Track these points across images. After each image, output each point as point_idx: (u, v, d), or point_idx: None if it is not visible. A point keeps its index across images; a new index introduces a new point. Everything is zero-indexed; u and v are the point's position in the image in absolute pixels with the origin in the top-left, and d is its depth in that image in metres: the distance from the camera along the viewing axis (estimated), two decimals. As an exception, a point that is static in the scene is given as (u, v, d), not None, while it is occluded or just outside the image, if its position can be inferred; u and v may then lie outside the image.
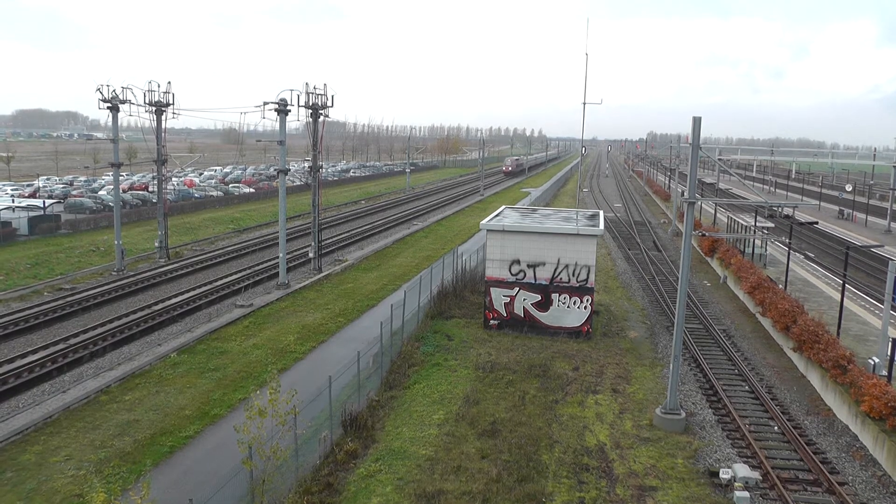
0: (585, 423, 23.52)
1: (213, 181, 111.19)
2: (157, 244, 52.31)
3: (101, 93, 46.22)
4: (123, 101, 46.83)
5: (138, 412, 24.16)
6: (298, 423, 18.81)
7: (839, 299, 30.59)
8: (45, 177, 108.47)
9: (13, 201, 70.62)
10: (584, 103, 50.63)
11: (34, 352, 30.32)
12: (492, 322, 34.00)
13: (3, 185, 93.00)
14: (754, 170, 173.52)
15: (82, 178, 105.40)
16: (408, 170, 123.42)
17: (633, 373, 28.69)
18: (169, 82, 48.96)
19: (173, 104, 49.31)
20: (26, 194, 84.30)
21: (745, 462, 20.93)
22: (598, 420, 23.80)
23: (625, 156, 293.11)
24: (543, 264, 33.17)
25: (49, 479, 19.66)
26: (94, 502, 12.76)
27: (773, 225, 54.69)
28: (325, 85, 44.25)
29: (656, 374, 28.58)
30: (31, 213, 61.79)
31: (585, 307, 32.99)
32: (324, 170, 79.92)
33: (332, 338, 33.37)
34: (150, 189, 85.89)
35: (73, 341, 31.60)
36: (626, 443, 22.11)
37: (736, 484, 19.26)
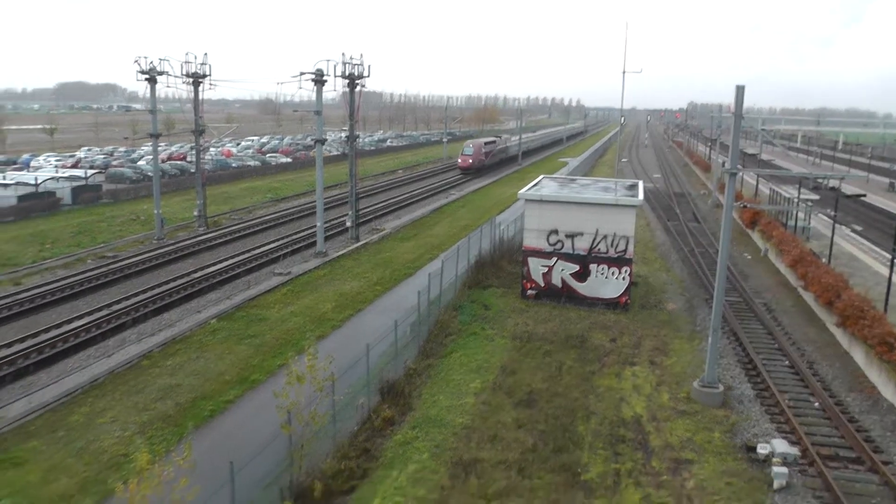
0: (622, 394, 23.39)
1: (251, 151, 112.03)
2: (195, 213, 52.98)
3: (139, 65, 46.71)
4: (161, 73, 47.32)
5: (179, 377, 24.63)
6: (336, 390, 18.99)
7: (887, 275, 29.84)
8: (87, 148, 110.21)
9: (57, 172, 72.02)
10: (624, 72, 49.77)
11: (80, 317, 31.02)
12: (529, 292, 33.89)
13: (47, 157, 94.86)
14: (798, 140, 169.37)
15: (122, 149, 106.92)
16: (445, 139, 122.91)
17: (671, 345, 28.40)
18: (205, 54, 49.36)
19: (210, 75, 49.67)
20: (69, 165, 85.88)
21: (783, 438, 20.61)
22: (634, 392, 23.65)
23: (665, 126, 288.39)
24: (582, 234, 32.88)
25: (96, 439, 20.25)
26: (138, 462, 13.05)
27: (817, 197, 53.48)
28: (361, 55, 44.12)
29: (694, 346, 28.24)
30: (74, 184, 63.00)
31: (624, 278, 32.69)
32: (361, 140, 79.95)
33: (370, 306, 33.53)
34: (189, 159, 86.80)
35: (115, 308, 32.24)
36: (663, 415, 21.93)
37: (774, 459, 18.96)
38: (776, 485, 17.99)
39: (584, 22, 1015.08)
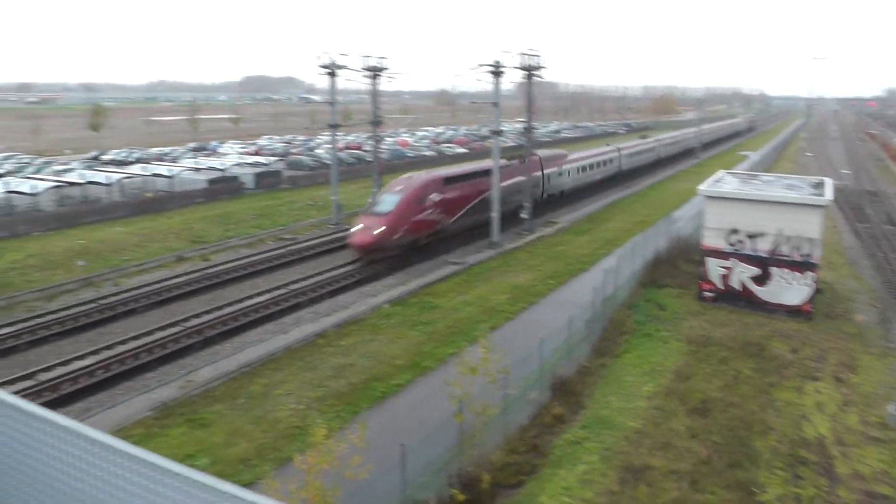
0: (803, 411, 21.67)
1: (427, 141, 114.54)
2: (370, 200, 54.83)
3: (319, 59, 49.28)
4: (341, 67, 49.78)
5: (352, 357, 25.54)
6: (508, 383, 18.93)
7: None
8: (267, 136, 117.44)
9: (240, 158, 77.57)
10: (813, 58, 46.00)
11: (260, 294, 33.04)
12: (706, 294, 32.31)
13: (232, 144, 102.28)
14: None
15: (301, 138, 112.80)
16: (621, 130, 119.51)
17: (860, 361, 26.00)
18: (382, 52, 51.02)
19: (387, 69, 51.50)
20: (251, 152, 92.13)
21: None
22: (817, 410, 21.84)
23: (856, 116, 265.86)
24: (763, 235, 30.93)
25: (273, 409, 21.41)
26: (315, 436, 13.58)
27: None
28: (537, 46, 43.93)
29: (887, 365, 25.69)
30: (257, 170, 67.46)
31: (808, 284, 30.45)
32: (536, 130, 79.66)
33: (542, 300, 33.26)
34: (365, 148, 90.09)
35: (293, 287, 34.06)
36: (851, 440, 20.01)
37: None
38: None
39: (767, 5, 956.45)
